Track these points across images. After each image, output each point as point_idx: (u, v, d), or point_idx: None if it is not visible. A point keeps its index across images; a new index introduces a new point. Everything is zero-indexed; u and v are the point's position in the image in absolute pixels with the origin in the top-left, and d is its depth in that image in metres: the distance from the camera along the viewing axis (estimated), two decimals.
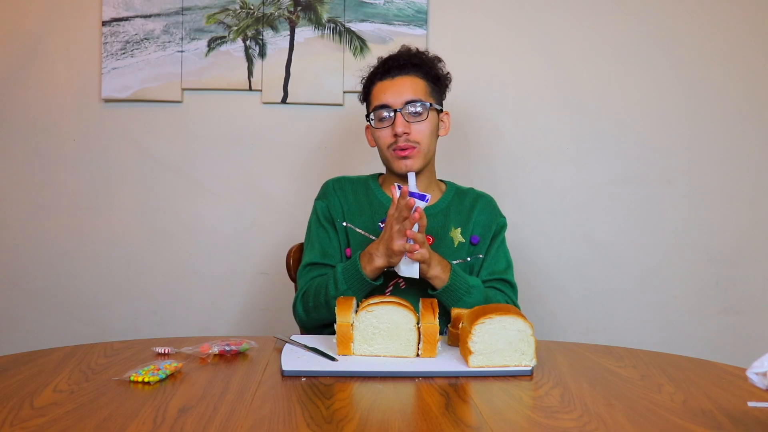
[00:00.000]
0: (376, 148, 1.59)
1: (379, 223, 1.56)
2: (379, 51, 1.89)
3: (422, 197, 1.35)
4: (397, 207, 1.35)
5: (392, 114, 1.51)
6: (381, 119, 1.53)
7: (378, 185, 1.64)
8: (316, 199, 1.64)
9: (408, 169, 1.51)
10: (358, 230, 1.57)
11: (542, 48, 2.15)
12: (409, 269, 1.38)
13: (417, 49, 1.60)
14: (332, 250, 1.57)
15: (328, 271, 1.53)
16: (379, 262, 1.40)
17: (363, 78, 1.62)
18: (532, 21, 2.15)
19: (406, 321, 1.18)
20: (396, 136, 1.50)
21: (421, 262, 1.38)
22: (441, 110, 1.60)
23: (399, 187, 1.37)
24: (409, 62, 1.55)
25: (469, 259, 1.56)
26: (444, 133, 1.61)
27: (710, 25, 2.16)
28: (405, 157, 1.51)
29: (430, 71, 1.57)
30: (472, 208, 1.61)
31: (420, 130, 1.51)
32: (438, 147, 1.61)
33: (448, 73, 1.62)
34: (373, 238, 1.54)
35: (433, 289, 1.43)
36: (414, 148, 1.51)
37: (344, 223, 1.58)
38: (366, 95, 1.61)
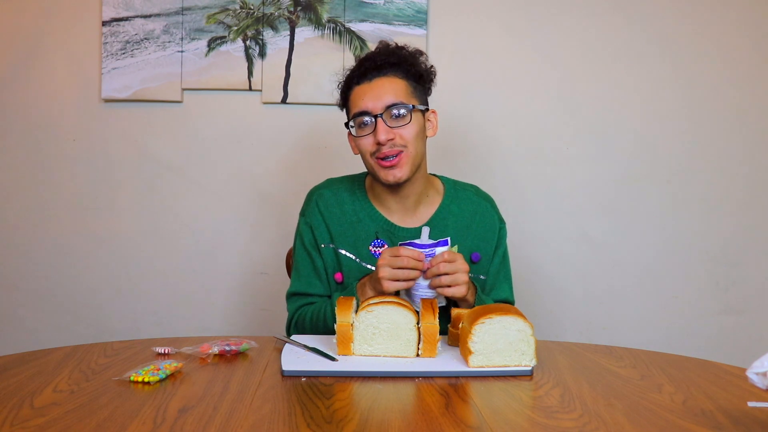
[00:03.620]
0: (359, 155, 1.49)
1: (369, 247, 1.49)
2: None
3: (443, 243, 1.33)
4: (393, 255, 1.31)
5: (373, 120, 1.41)
6: (361, 126, 1.42)
7: (365, 193, 1.53)
8: (301, 214, 1.55)
9: (396, 180, 1.42)
10: (347, 255, 1.49)
11: (542, 48, 2.15)
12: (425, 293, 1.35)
13: (396, 44, 1.47)
14: (318, 281, 1.50)
15: (314, 300, 1.49)
16: (370, 293, 1.36)
17: (340, 83, 1.49)
18: (532, 21, 2.15)
19: (406, 321, 1.18)
20: (379, 144, 1.40)
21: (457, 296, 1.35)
22: (426, 109, 1.48)
23: (412, 244, 1.33)
24: (387, 61, 1.43)
25: (470, 275, 1.47)
26: (432, 134, 1.50)
27: (710, 26, 2.16)
28: (391, 167, 1.41)
29: (410, 69, 1.45)
30: (472, 220, 1.52)
31: (404, 135, 1.40)
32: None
33: (432, 66, 1.50)
34: (365, 265, 1.48)
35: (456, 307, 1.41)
36: (400, 152, 1.40)
37: (331, 245, 1.50)
38: (344, 101, 1.49)
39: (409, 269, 1.31)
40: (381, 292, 1.31)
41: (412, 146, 1.42)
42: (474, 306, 1.38)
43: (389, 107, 1.40)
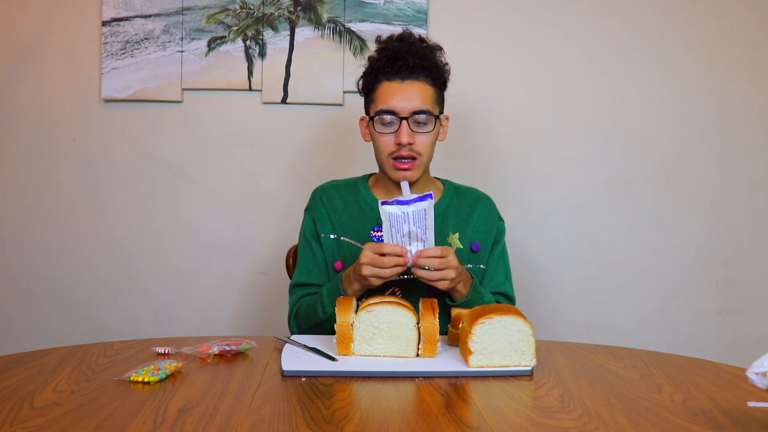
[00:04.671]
0: (370, 142, 1.53)
1: (371, 233, 1.51)
2: None
3: (425, 198, 1.30)
4: (376, 252, 1.30)
5: (397, 120, 1.44)
6: (384, 124, 1.46)
7: (368, 188, 1.58)
8: (305, 210, 1.60)
9: (406, 180, 1.44)
10: (350, 241, 1.52)
11: (542, 48, 2.15)
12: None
13: (419, 38, 1.50)
14: (317, 270, 1.53)
15: (314, 290, 1.50)
16: (356, 285, 1.36)
17: (365, 66, 1.53)
18: (532, 21, 2.15)
19: (406, 321, 1.18)
20: (399, 145, 1.44)
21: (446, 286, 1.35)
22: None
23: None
24: (420, 65, 1.46)
25: (470, 266, 1.52)
26: (442, 139, 1.55)
27: (711, 26, 2.16)
28: (404, 169, 1.45)
29: (439, 77, 1.50)
30: (472, 212, 1.56)
31: (423, 141, 1.46)
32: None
33: (447, 64, 1.53)
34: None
35: (451, 298, 1.41)
36: (415, 159, 1.46)
37: (332, 236, 1.53)
38: (368, 90, 1.51)
39: (392, 267, 1.30)
40: (367, 287, 1.35)
41: (426, 155, 1.48)
42: (468, 298, 1.39)
43: (416, 113, 1.44)
